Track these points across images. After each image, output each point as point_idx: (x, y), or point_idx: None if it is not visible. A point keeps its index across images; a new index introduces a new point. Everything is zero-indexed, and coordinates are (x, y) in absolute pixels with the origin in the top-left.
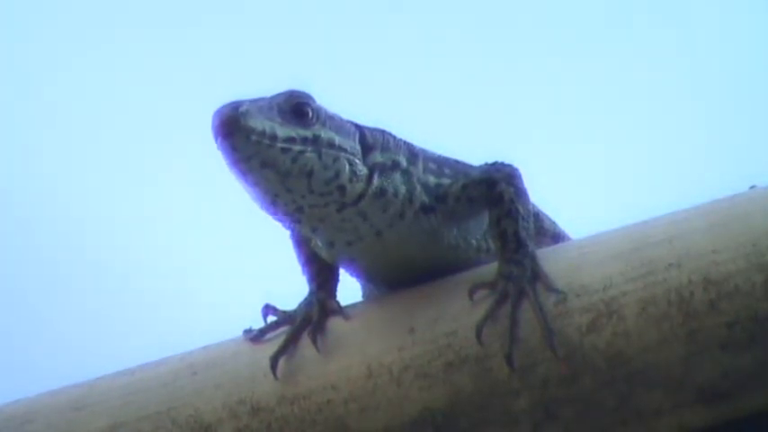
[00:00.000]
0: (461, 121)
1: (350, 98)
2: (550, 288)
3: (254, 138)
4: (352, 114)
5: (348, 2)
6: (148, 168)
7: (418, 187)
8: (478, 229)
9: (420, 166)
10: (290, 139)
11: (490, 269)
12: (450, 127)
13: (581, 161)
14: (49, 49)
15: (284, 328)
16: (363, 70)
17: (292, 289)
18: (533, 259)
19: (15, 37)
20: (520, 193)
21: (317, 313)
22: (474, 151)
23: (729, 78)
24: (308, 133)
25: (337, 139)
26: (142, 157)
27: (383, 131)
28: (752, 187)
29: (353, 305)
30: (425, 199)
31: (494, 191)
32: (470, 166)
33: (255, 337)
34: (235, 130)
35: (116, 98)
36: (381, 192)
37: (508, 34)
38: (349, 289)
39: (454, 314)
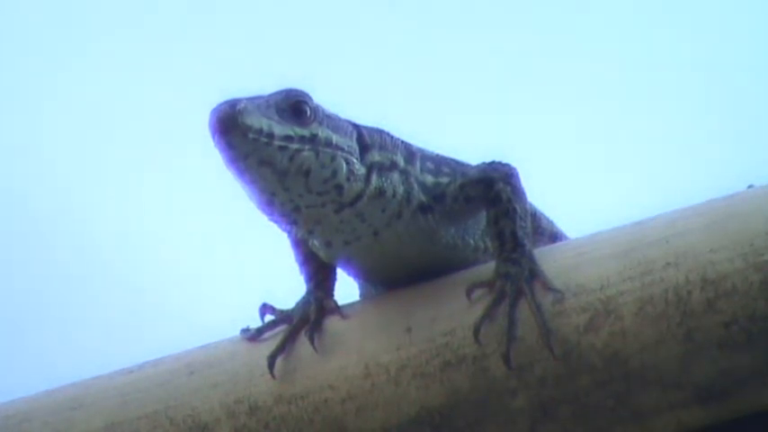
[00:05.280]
0: (460, 121)
1: (348, 97)
2: (548, 287)
3: (251, 135)
4: (350, 113)
5: (347, 1)
6: (146, 167)
7: (416, 187)
8: (476, 228)
9: (418, 165)
10: (288, 138)
11: (488, 268)
12: (449, 126)
13: (578, 161)
14: (48, 49)
15: (282, 328)
16: (362, 69)
17: (290, 288)
18: (531, 259)
19: (14, 36)
20: (517, 192)
21: (314, 312)
22: (472, 151)
23: (727, 78)
24: (305, 132)
25: (335, 138)
26: (141, 156)
27: (381, 131)
28: (749, 187)
29: (351, 304)
30: (423, 198)
31: (491, 190)
32: (468, 166)
33: (253, 336)
34: (232, 127)
35: (115, 98)
36: (379, 191)
37: (507, 33)
38: (347, 288)
39: (452, 313)
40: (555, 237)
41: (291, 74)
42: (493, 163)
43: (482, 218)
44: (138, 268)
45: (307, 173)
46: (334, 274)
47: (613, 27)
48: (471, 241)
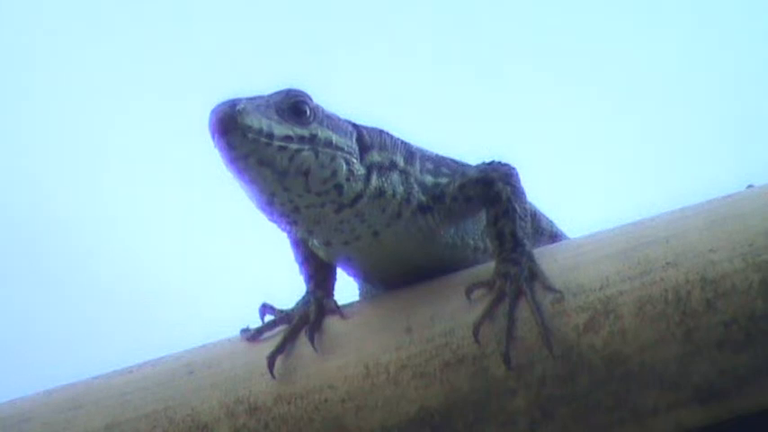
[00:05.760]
0: (460, 121)
1: (348, 97)
2: (547, 287)
3: (251, 136)
4: (349, 114)
5: (347, 1)
6: (146, 167)
7: (415, 187)
8: (476, 228)
9: (417, 165)
10: (287, 138)
11: (487, 268)
12: (448, 126)
13: (578, 161)
14: (47, 49)
15: (281, 328)
16: (362, 70)
17: (290, 288)
18: (530, 258)
19: (14, 37)
20: (517, 192)
21: (314, 312)
22: (472, 151)
23: (727, 78)
24: (305, 132)
25: (334, 138)
26: (139, 156)
27: (381, 131)
28: (749, 186)
29: (351, 304)
30: (423, 198)
31: (491, 190)
32: (467, 166)
33: (253, 336)
34: (232, 127)
35: (113, 97)
36: (379, 191)
37: (507, 34)
38: (346, 288)
39: (451, 313)
40: (555, 237)
41: (292, 73)
42: (492, 163)
43: (482, 218)
44: (138, 268)
45: (306, 173)
46: (334, 273)
47: (614, 27)
48: (471, 241)
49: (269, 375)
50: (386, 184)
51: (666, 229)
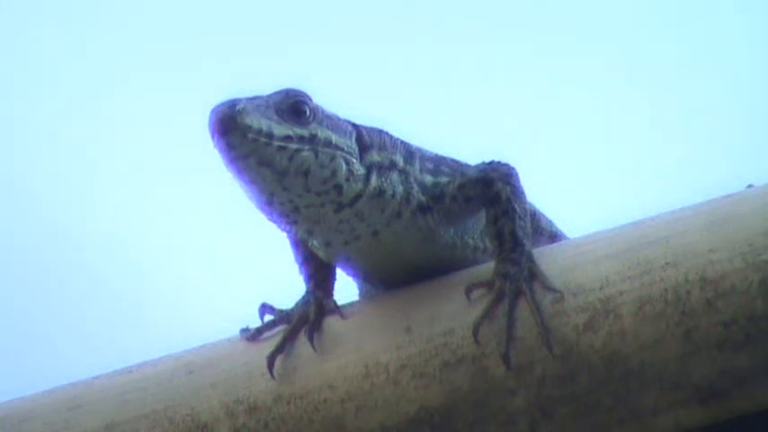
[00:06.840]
0: (459, 121)
1: (347, 97)
2: (547, 287)
3: (250, 136)
4: (349, 113)
5: (347, 1)
6: (145, 168)
7: (415, 187)
8: (475, 228)
9: (417, 165)
10: (287, 138)
11: (487, 268)
12: (448, 126)
13: (577, 160)
14: (47, 49)
15: (281, 327)
16: (361, 70)
17: (290, 288)
18: (530, 258)
19: (14, 39)
20: (517, 192)
21: (313, 312)
22: (471, 150)
23: (727, 78)
24: (304, 132)
25: (334, 138)
26: (139, 156)
27: (380, 131)
28: (749, 186)
29: (350, 304)
30: (422, 198)
31: (491, 190)
32: (467, 166)
33: (252, 336)
34: (231, 127)
35: (113, 98)
36: (379, 191)
37: (507, 33)
38: (346, 288)
39: (451, 313)
40: (554, 236)
41: (292, 73)
42: (492, 163)
43: (481, 218)
44: (138, 268)
45: (306, 173)
46: (334, 273)
47: (614, 27)
48: (470, 241)
49: (269, 375)
50: (385, 184)
51: (666, 229)
